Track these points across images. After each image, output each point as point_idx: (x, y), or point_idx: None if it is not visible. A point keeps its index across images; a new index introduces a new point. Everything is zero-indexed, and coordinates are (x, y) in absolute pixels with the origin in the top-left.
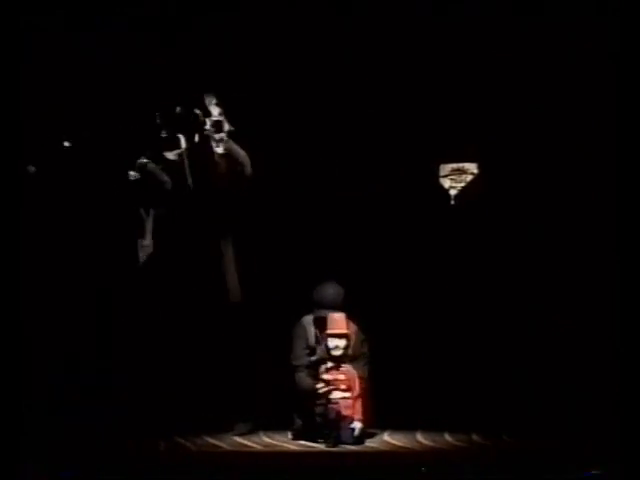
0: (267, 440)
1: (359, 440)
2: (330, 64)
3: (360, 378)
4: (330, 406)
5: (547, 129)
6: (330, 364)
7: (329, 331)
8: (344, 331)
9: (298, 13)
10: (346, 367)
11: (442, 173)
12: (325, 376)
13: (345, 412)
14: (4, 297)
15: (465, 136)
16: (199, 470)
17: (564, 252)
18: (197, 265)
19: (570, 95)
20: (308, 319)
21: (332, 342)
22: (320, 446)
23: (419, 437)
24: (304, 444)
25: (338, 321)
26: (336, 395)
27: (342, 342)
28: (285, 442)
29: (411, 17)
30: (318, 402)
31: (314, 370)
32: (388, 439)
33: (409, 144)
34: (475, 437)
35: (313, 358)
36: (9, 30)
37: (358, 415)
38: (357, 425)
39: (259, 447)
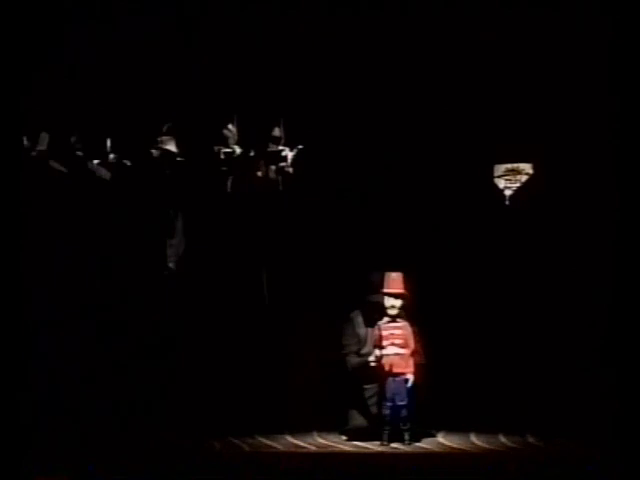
0: (321, 441)
1: (412, 398)
2: (388, 67)
3: (415, 333)
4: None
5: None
6: (386, 319)
7: (386, 290)
8: (401, 291)
9: (348, 15)
10: (402, 322)
11: (497, 173)
12: (382, 332)
13: (399, 369)
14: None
15: (520, 137)
16: (253, 470)
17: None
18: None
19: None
20: (356, 313)
21: (388, 301)
22: (373, 447)
23: (473, 438)
24: (358, 445)
25: (396, 281)
26: (391, 350)
27: (398, 302)
28: (339, 443)
29: (462, 19)
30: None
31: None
32: (442, 440)
33: (466, 145)
34: (530, 439)
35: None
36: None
37: (410, 369)
38: (410, 377)
39: (313, 448)
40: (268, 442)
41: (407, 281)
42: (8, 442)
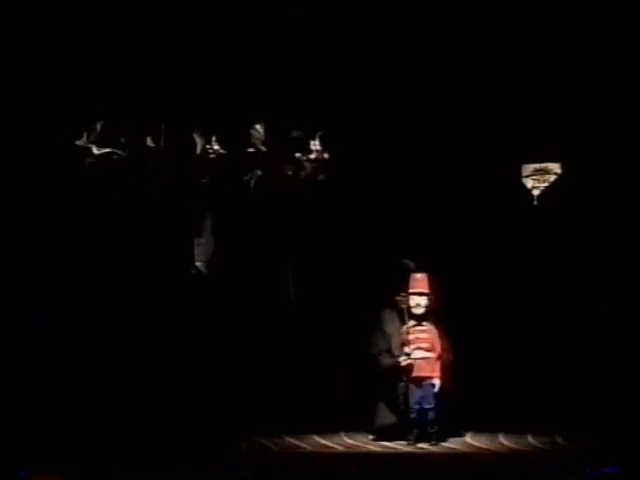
0: (349, 441)
1: (439, 401)
2: (416, 66)
3: (441, 337)
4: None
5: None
6: (412, 322)
7: (411, 290)
8: (425, 290)
9: (373, 16)
10: (428, 326)
11: (525, 173)
12: (408, 336)
13: (425, 372)
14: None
15: (547, 136)
16: (281, 470)
17: None
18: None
19: None
20: (384, 312)
21: (413, 300)
22: (401, 447)
23: (501, 439)
24: (385, 445)
25: (420, 280)
26: (417, 354)
27: (423, 300)
28: (366, 443)
29: (488, 16)
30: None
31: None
32: (470, 441)
33: (492, 145)
34: (558, 439)
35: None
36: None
37: (437, 373)
38: (436, 382)
39: (341, 448)
40: (296, 442)
41: (432, 281)
42: (9, 441)
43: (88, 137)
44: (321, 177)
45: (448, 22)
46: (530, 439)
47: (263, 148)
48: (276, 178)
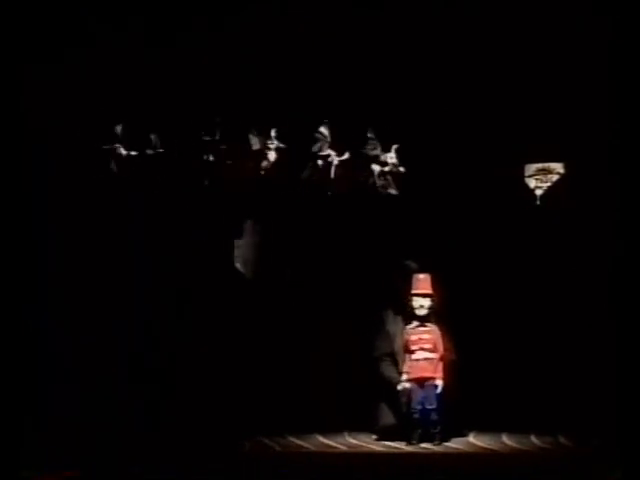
0: (352, 441)
1: (441, 402)
2: (416, 68)
3: (444, 338)
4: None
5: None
6: (415, 323)
7: (414, 291)
8: (429, 291)
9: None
10: (431, 327)
11: (527, 173)
12: (411, 337)
13: (428, 373)
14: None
15: (548, 136)
16: (284, 470)
17: None
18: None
19: None
20: (386, 312)
21: (417, 302)
22: (404, 447)
23: (505, 439)
24: (388, 445)
25: (423, 281)
26: (420, 355)
27: (426, 302)
28: (369, 443)
29: (489, 18)
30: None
31: (395, 359)
32: (473, 440)
33: (494, 146)
34: (562, 439)
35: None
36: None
37: (439, 374)
38: (439, 383)
39: (344, 448)
40: (299, 442)
41: (435, 282)
42: (9, 441)
43: (114, 139)
44: (393, 190)
45: (450, 25)
46: (533, 439)
47: (329, 151)
48: (341, 183)
